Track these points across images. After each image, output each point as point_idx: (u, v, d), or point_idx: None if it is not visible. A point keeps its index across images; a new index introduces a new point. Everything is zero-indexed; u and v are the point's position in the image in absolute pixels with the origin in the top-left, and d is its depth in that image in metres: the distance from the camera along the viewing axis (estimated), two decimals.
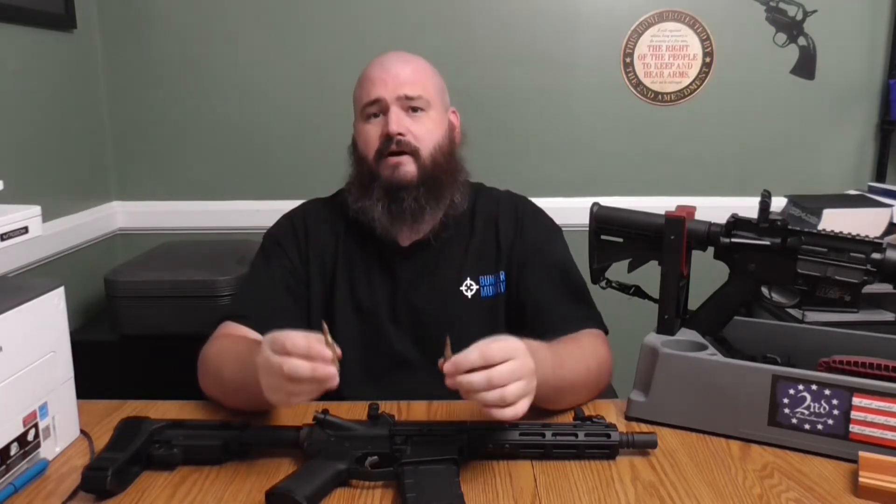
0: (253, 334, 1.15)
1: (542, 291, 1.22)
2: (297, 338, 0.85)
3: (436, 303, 1.23)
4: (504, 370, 0.85)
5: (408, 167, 1.18)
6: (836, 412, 0.94)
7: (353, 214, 1.23)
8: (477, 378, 0.84)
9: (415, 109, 1.19)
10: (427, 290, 1.24)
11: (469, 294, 1.25)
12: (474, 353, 0.85)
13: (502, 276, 1.26)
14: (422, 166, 1.18)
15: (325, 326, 0.87)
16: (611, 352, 1.16)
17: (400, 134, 1.17)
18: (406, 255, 1.24)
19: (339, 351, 0.85)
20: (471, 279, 1.25)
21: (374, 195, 1.19)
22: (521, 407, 0.86)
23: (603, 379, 1.14)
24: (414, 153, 1.18)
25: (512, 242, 1.26)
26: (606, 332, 1.21)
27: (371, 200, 1.19)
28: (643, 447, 0.97)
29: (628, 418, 1.07)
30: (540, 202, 1.35)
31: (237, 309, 1.21)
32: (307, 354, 0.84)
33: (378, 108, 1.19)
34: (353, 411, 0.99)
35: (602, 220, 1.13)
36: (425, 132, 1.19)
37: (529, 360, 0.88)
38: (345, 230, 1.27)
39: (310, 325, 1.24)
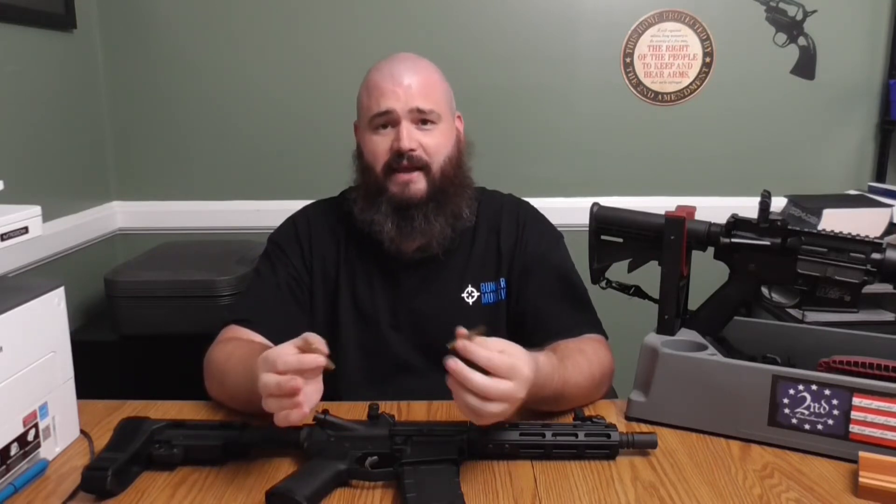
0: (259, 338, 1.15)
1: (542, 299, 1.22)
2: (288, 356, 0.84)
3: (437, 309, 1.23)
4: (500, 388, 0.83)
5: (418, 184, 1.17)
6: (836, 412, 0.94)
7: (359, 225, 1.22)
8: (478, 380, 0.82)
9: (425, 122, 1.17)
10: (429, 297, 1.24)
11: (470, 301, 1.25)
12: (491, 358, 0.83)
13: (503, 283, 1.26)
14: (431, 180, 1.17)
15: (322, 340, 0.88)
16: (612, 357, 1.16)
17: (411, 150, 1.15)
18: (409, 262, 1.23)
19: (326, 362, 0.85)
20: (472, 286, 1.25)
21: (381, 209, 1.18)
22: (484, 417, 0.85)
23: (604, 385, 1.14)
24: (424, 168, 1.17)
25: (513, 250, 1.26)
26: (606, 339, 1.20)
27: (379, 214, 1.18)
28: (643, 447, 0.97)
29: (628, 418, 1.07)
30: (540, 202, 1.35)
31: (242, 313, 1.21)
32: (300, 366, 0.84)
33: (388, 120, 1.16)
34: (353, 411, 0.99)
35: (602, 220, 1.13)
36: (435, 145, 1.18)
37: (523, 392, 0.86)
38: (347, 235, 1.27)
39: (313, 330, 1.24)
